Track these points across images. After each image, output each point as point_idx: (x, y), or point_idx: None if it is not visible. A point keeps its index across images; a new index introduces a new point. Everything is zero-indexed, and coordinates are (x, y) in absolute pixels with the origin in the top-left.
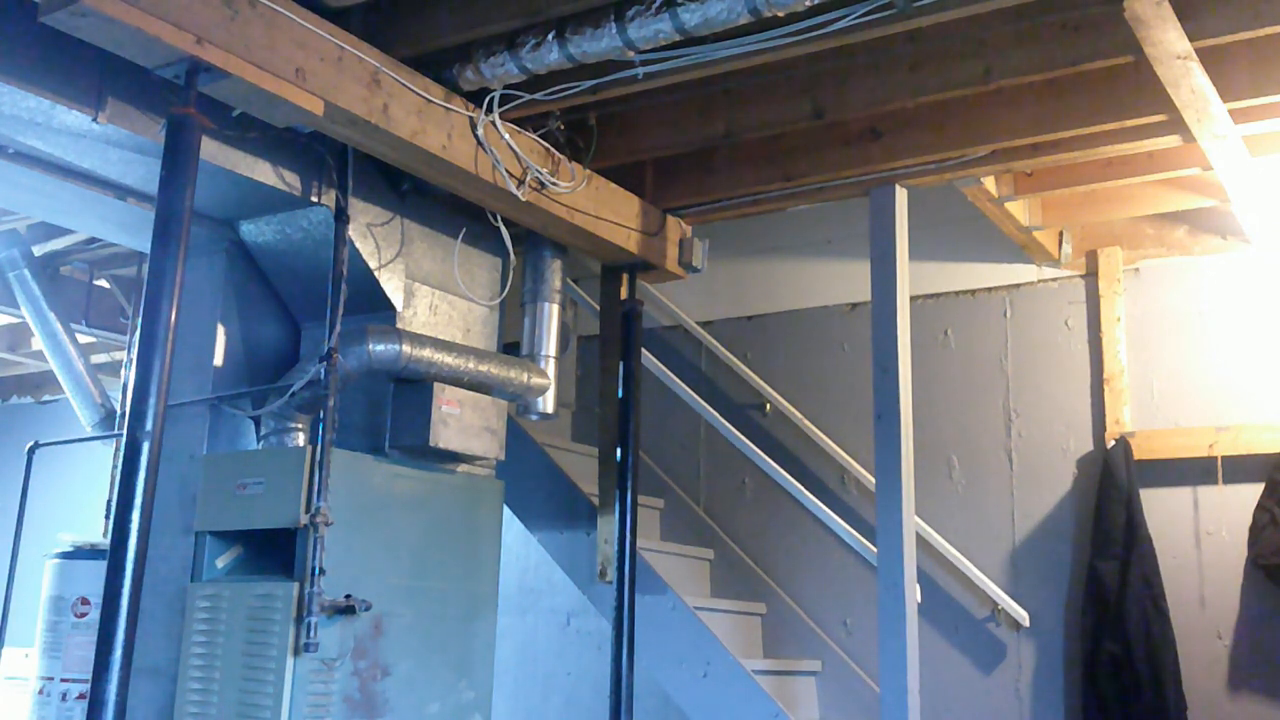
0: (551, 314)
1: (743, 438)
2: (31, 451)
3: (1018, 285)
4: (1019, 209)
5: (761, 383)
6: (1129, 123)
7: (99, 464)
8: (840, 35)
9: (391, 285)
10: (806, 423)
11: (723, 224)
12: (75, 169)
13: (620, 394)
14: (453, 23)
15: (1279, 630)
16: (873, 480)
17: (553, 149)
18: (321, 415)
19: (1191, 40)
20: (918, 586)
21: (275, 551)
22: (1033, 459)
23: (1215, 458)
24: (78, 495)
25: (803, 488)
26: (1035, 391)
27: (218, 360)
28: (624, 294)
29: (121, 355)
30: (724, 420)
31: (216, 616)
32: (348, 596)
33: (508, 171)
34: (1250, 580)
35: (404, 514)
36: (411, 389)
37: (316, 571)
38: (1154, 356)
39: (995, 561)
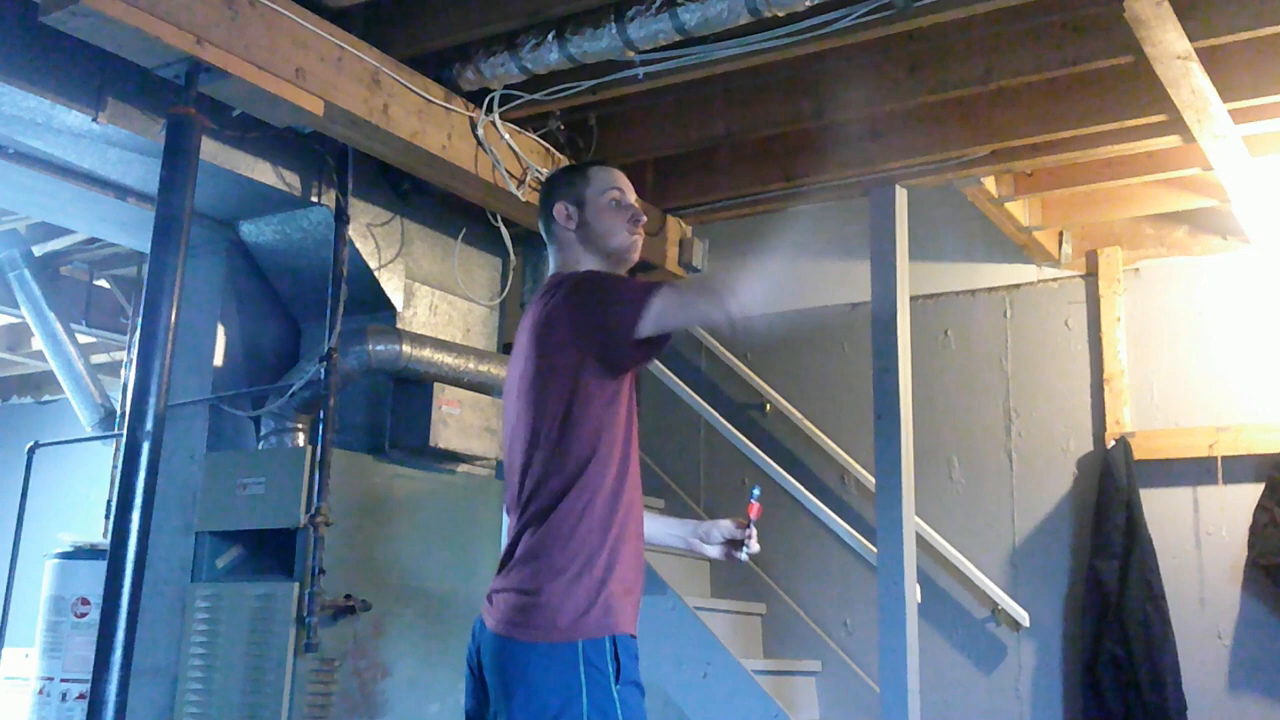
0: None
1: (743, 438)
2: (31, 451)
3: (1018, 285)
4: (1019, 209)
5: (761, 383)
6: (1129, 123)
7: (99, 464)
8: (840, 35)
9: (391, 285)
10: (806, 423)
11: (723, 224)
12: (75, 169)
13: None
14: (453, 23)
15: (1279, 630)
16: (873, 480)
17: (553, 149)
18: (321, 415)
19: (1191, 40)
20: (918, 586)
21: (275, 551)
22: (1033, 459)
23: (1215, 458)
24: (78, 495)
25: (803, 488)
26: (1035, 391)
27: (218, 360)
28: None
29: (121, 355)
30: (724, 420)
31: (216, 616)
32: (348, 596)
33: (508, 171)
34: (1250, 580)
35: (404, 514)
36: (411, 389)
37: (316, 571)
38: (1154, 356)
39: (995, 561)
